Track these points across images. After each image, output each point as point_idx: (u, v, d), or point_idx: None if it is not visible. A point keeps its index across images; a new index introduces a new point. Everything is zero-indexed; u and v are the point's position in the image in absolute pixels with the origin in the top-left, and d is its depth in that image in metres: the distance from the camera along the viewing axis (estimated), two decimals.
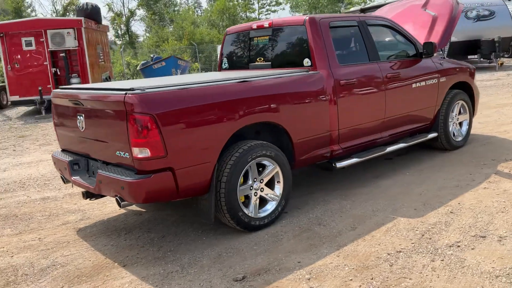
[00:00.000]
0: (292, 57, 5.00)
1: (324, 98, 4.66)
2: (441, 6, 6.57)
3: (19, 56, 14.88)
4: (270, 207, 4.32)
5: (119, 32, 50.45)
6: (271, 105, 4.21)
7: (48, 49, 14.77)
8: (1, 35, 14.60)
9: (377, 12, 7.45)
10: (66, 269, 3.81)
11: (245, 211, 4.10)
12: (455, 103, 6.26)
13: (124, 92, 3.54)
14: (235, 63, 5.72)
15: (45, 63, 14.95)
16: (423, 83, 5.70)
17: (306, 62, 4.82)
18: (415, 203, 4.57)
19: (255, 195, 4.23)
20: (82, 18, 14.82)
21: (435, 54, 5.79)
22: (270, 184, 4.37)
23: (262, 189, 4.27)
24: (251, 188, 4.19)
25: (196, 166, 3.76)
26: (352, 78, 4.90)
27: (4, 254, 4.20)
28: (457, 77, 6.24)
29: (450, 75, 6.10)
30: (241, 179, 4.11)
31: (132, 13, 52.83)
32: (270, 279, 3.36)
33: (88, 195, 4.39)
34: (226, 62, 5.83)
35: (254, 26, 5.41)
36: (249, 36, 5.46)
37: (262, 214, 4.26)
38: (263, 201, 4.34)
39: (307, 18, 4.84)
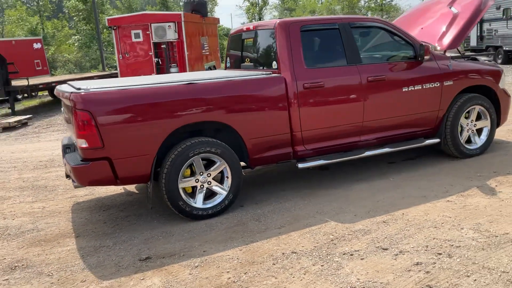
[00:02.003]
0: (266, 59, 5.24)
1: (283, 100, 4.83)
2: (469, 2, 6.13)
3: (129, 47, 16.75)
4: (217, 199, 4.70)
5: (253, 21, 52.82)
6: (217, 106, 4.55)
7: (152, 41, 16.37)
8: (115, 28, 16.56)
9: (406, 13, 7.15)
10: (38, 234, 4.66)
11: (187, 200, 4.54)
12: (469, 108, 5.84)
13: (71, 91, 4.21)
14: (233, 63, 6.10)
15: (150, 53, 16.61)
16: (418, 87, 5.47)
17: (274, 64, 5.02)
18: (362, 209, 4.55)
19: (201, 187, 4.64)
20: (182, 13, 16.13)
21: (426, 57, 5.45)
22: (223, 178, 4.74)
23: (209, 183, 4.66)
24: (197, 180, 4.60)
25: (134, 157, 4.30)
26: (319, 81, 4.97)
27: (10, 217, 5.22)
28: (470, 80, 5.81)
29: (459, 78, 5.71)
30: (187, 171, 4.57)
31: (264, 3, 54.89)
32: (166, 262, 3.79)
33: (67, 175, 5.21)
34: (228, 62, 6.23)
35: (244, 29, 5.72)
36: (241, 37, 5.79)
37: (208, 205, 4.65)
38: (214, 193, 4.74)
39: (277, 22, 5.03)
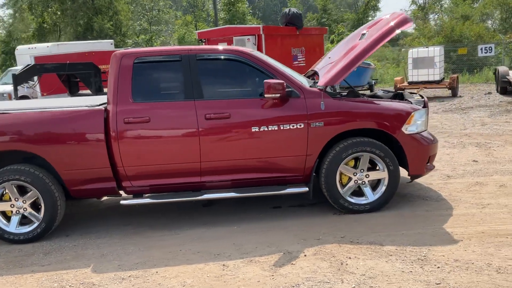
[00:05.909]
0: None
1: (100, 134, 4.72)
2: (382, 26, 5.12)
3: None
4: (30, 226, 4.85)
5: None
6: (24, 136, 4.68)
7: None
8: (204, 40, 17.49)
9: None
10: None
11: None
12: (356, 155, 4.87)
13: None
14: None
15: None
16: (273, 127, 4.77)
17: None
18: (137, 260, 4.22)
19: (17, 213, 4.84)
20: (261, 26, 16.29)
21: (268, 95, 4.66)
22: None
23: (25, 209, 4.84)
24: (12, 205, 4.82)
25: None
26: (145, 116, 4.72)
27: None
28: (352, 123, 4.83)
29: (334, 119, 4.80)
30: (6, 196, 4.82)
31: (431, 6, 51.29)
32: None
33: None
34: None
35: None
36: None
37: (21, 231, 4.83)
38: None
39: (114, 53, 4.94)
